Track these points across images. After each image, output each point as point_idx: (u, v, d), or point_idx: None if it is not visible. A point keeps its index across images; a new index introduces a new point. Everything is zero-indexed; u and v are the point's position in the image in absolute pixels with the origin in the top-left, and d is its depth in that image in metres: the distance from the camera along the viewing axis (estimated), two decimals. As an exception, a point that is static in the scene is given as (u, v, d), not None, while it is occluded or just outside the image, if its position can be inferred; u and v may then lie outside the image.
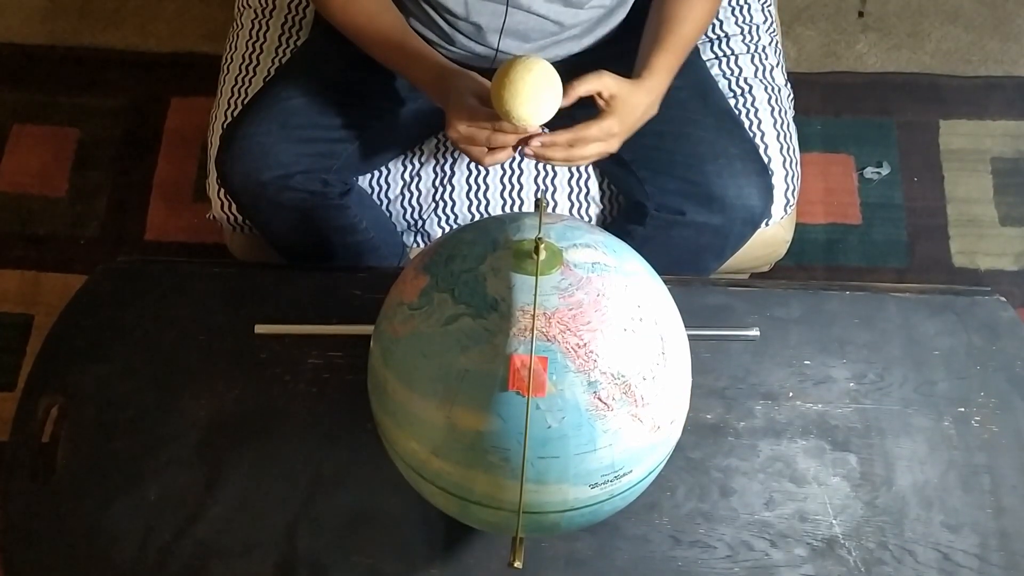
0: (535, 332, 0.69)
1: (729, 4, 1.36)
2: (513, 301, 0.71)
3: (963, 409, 1.03)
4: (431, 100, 1.08)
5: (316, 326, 1.06)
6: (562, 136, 0.97)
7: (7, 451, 1.03)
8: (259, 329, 1.06)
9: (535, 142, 0.96)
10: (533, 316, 0.70)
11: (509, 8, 1.07)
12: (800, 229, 1.66)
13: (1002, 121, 1.83)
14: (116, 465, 1.01)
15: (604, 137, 0.98)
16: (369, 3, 1.11)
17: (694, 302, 1.08)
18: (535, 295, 0.70)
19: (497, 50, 1.14)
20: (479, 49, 1.15)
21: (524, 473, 0.69)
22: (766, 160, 1.24)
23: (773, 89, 1.31)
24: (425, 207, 1.26)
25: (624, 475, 0.74)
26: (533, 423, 0.69)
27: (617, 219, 1.26)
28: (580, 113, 0.98)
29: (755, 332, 1.06)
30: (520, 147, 0.97)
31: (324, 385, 1.04)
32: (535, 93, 0.89)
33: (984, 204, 1.76)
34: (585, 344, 0.70)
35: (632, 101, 1.00)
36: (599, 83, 0.97)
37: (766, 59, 1.33)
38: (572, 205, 1.26)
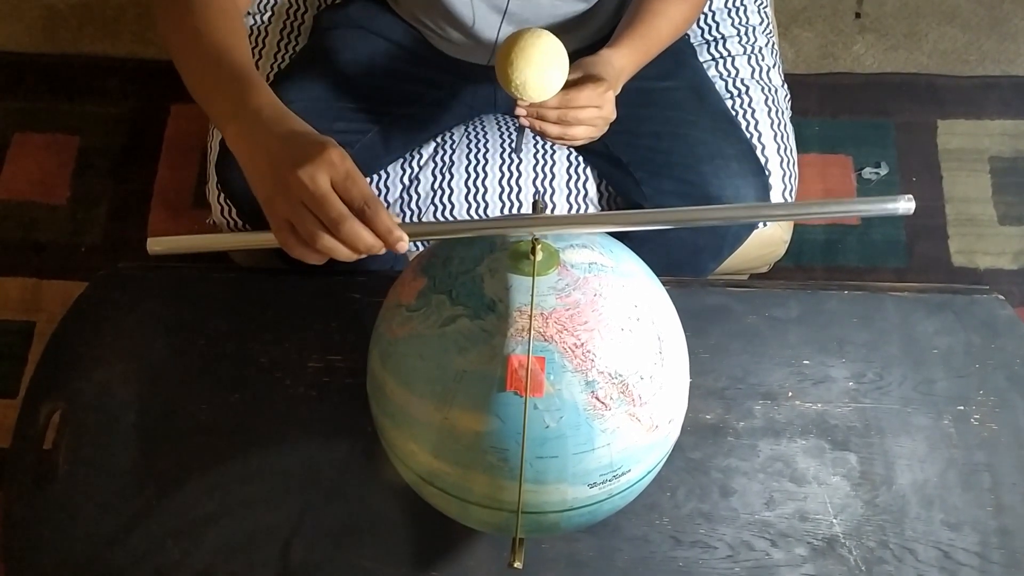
0: (532, 332, 0.69)
1: (725, 6, 1.36)
2: (510, 302, 0.71)
3: (962, 407, 1.03)
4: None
5: (213, 235, 0.82)
6: (551, 102, 0.92)
7: (9, 458, 1.03)
8: (152, 245, 0.81)
9: (522, 110, 0.91)
10: (530, 316, 0.70)
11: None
12: (799, 230, 1.67)
13: (1000, 120, 1.83)
14: (117, 471, 1.01)
15: (597, 100, 0.94)
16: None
17: (693, 303, 1.08)
18: (532, 296, 0.71)
19: (496, 41, 1.14)
20: (475, 39, 1.16)
21: (523, 473, 0.69)
22: (763, 161, 1.24)
23: (770, 90, 1.31)
24: (424, 210, 1.27)
25: (623, 474, 0.74)
26: (531, 423, 0.69)
27: (615, 221, 1.26)
28: None
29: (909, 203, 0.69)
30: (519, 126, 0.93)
31: (324, 389, 1.05)
32: (546, 64, 0.86)
33: (983, 203, 1.76)
34: (582, 344, 0.70)
35: (601, 66, 0.99)
36: (580, 70, 0.96)
37: (762, 60, 1.33)
38: (570, 207, 1.26)
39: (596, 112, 0.94)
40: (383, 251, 0.71)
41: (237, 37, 0.87)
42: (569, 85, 0.91)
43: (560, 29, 1.12)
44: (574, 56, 0.89)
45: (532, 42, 0.86)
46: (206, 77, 0.84)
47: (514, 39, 0.87)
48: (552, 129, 0.93)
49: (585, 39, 1.19)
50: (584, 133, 0.96)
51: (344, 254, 0.70)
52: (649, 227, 0.75)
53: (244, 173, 0.76)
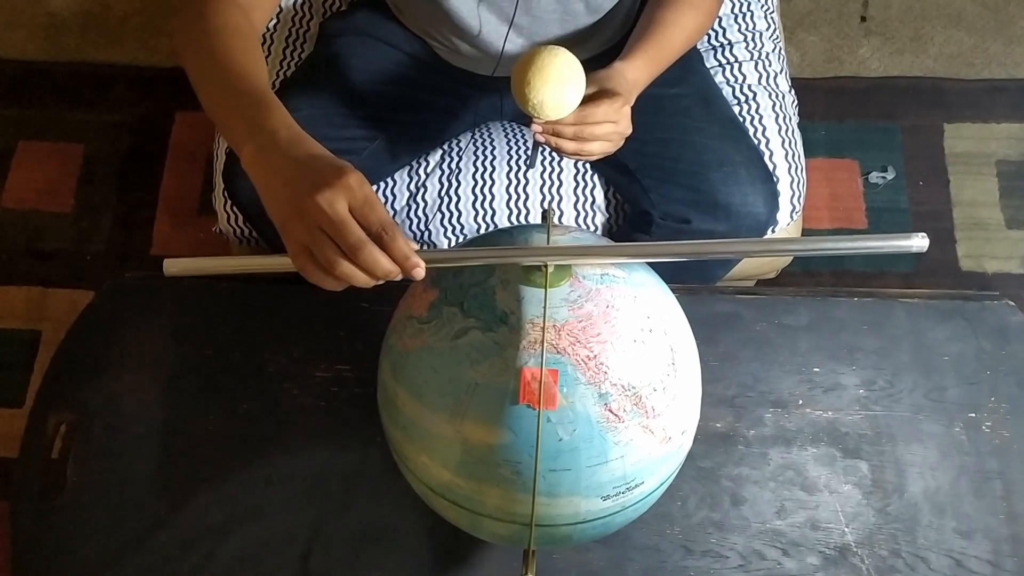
0: (545, 345, 0.69)
1: (732, 12, 1.36)
2: (522, 314, 0.71)
3: (974, 414, 1.03)
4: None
5: (228, 258, 0.84)
6: (567, 119, 0.91)
7: (16, 468, 1.03)
8: (169, 267, 0.81)
9: (538, 127, 0.90)
10: (543, 329, 0.69)
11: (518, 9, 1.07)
12: (806, 235, 1.66)
13: (1006, 124, 1.83)
14: (125, 481, 1.01)
15: (613, 115, 0.93)
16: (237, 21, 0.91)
17: (702, 310, 1.08)
18: (544, 307, 0.70)
19: (502, 52, 1.14)
20: (481, 50, 1.16)
21: (536, 486, 0.69)
22: (771, 167, 1.24)
23: (777, 96, 1.31)
24: (431, 218, 1.26)
25: (636, 486, 0.74)
26: (544, 436, 0.68)
27: (623, 228, 1.26)
28: None
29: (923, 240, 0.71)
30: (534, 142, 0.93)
31: (332, 399, 1.04)
32: (563, 82, 0.85)
33: (990, 207, 1.76)
34: (595, 356, 0.70)
35: (616, 80, 0.98)
36: (595, 84, 0.96)
37: (769, 66, 1.33)
38: (578, 214, 1.26)
39: (612, 127, 0.94)
40: (400, 277, 0.71)
41: (253, 58, 0.87)
42: (585, 100, 0.90)
43: (569, 41, 1.11)
44: (584, 67, 0.88)
45: (549, 61, 0.84)
46: (222, 98, 0.83)
47: (530, 58, 0.85)
48: (568, 146, 0.93)
49: (594, 50, 1.19)
50: (600, 148, 0.95)
51: (362, 280, 0.70)
52: (661, 259, 0.75)
53: (260, 196, 0.74)
